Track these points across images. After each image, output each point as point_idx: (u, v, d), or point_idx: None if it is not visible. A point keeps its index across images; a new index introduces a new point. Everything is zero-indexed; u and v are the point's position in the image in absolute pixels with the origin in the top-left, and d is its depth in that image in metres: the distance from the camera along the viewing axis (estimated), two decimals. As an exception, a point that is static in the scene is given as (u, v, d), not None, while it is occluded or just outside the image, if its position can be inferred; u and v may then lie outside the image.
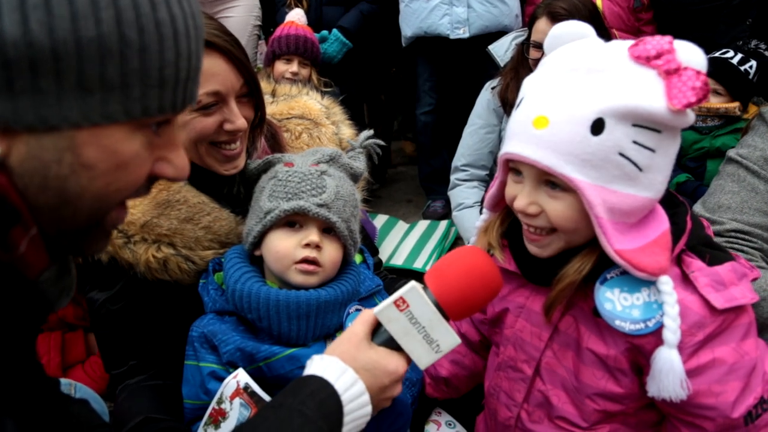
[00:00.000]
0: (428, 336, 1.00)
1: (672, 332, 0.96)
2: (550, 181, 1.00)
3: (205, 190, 1.41)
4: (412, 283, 1.01)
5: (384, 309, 1.01)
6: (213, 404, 1.18)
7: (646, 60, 0.94)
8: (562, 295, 1.06)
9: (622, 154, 0.93)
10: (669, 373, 0.97)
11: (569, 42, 1.05)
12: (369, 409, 0.99)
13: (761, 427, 1.03)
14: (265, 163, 1.37)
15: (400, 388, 1.05)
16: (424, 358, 1.01)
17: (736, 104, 2.82)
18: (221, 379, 1.22)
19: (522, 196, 1.03)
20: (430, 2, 3.28)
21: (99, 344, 1.48)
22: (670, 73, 0.91)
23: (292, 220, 1.27)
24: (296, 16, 3.28)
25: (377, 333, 1.04)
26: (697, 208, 1.78)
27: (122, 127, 0.72)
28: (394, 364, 1.01)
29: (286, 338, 1.24)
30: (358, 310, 1.36)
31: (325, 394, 0.95)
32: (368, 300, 1.42)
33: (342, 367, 0.98)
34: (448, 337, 1.00)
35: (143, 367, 1.44)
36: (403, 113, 4.84)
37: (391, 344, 1.02)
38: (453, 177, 2.92)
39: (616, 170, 0.94)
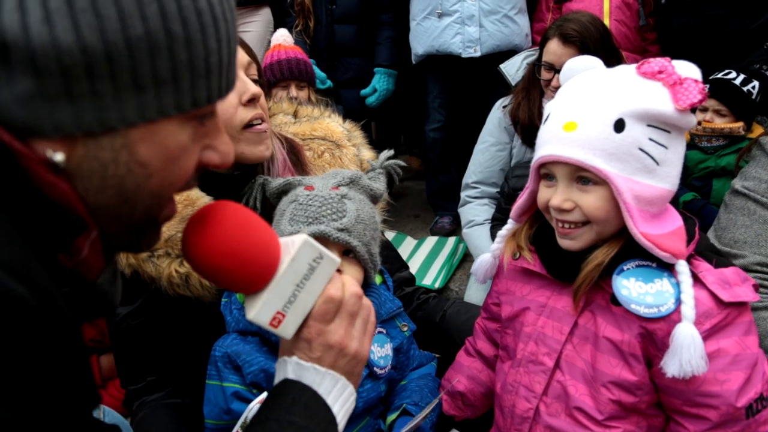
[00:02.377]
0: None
1: (690, 308, 1.07)
2: (581, 177, 1.14)
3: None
4: None
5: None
6: (237, 427, 1.17)
7: (652, 75, 1.12)
8: (590, 276, 1.16)
9: (641, 149, 1.10)
10: (691, 346, 1.06)
11: (583, 71, 1.22)
12: (350, 387, 0.96)
13: (761, 423, 1.11)
14: (286, 184, 1.37)
15: (354, 307, 0.97)
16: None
17: (740, 124, 2.87)
18: (245, 400, 1.22)
19: (557, 195, 1.16)
20: (442, 21, 3.32)
21: (117, 359, 1.48)
22: (673, 83, 1.10)
23: None
24: (281, 38, 3.20)
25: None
26: (712, 241, 1.80)
27: (172, 122, 0.73)
28: (313, 320, 0.94)
29: None
30: (380, 332, 1.37)
31: (306, 396, 0.91)
32: (389, 322, 1.42)
33: (305, 366, 0.93)
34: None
35: (161, 384, 1.43)
36: (409, 129, 4.86)
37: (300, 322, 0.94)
38: (463, 194, 2.94)
39: (637, 163, 1.10)
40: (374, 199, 1.40)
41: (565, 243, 1.20)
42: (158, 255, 1.34)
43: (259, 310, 0.88)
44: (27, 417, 0.62)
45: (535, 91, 2.64)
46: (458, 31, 3.30)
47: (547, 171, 1.19)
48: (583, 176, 1.13)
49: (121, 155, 0.70)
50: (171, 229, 1.34)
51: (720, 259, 1.18)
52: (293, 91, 3.04)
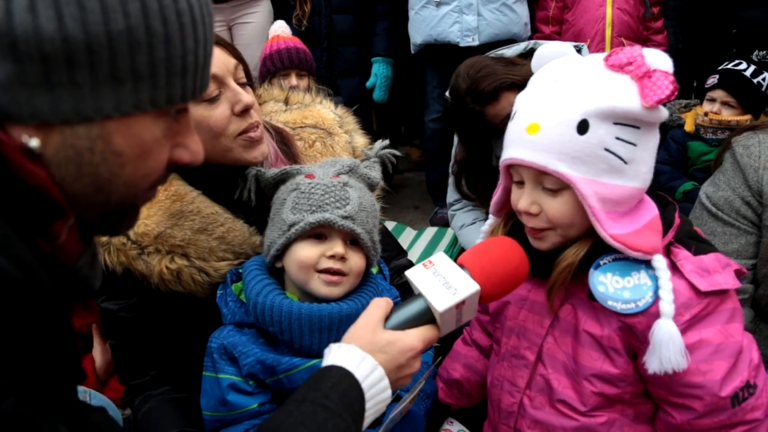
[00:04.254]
0: (448, 283, 1.04)
1: (668, 304, 1.05)
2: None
3: (218, 198, 1.41)
4: (441, 252, 1.10)
5: (413, 269, 1.09)
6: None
7: (620, 67, 1.06)
8: (561, 277, 1.14)
9: (607, 150, 1.05)
10: (669, 343, 1.04)
11: (553, 59, 1.17)
12: (389, 393, 1.01)
13: (747, 410, 1.10)
14: (283, 174, 1.36)
15: (418, 365, 1.05)
16: (442, 300, 1.03)
17: (748, 117, 2.80)
18: (241, 391, 1.23)
19: (523, 198, 1.14)
20: (440, 10, 3.30)
21: (114, 354, 1.47)
22: (641, 76, 1.04)
23: (317, 233, 1.27)
24: (280, 29, 3.21)
25: (389, 318, 1.06)
26: None
27: (147, 116, 0.76)
28: (408, 341, 1.03)
29: (307, 351, 1.24)
30: None
31: (346, 384, 0.96)
32: None
33: (361, 355, 0.99)
34: (466, 285, 1.04)
35: (165, 378, 1.43)
36: (410, 120, 4.85)
37: (404, 325, 1.05)
38: (449, 211, 2.93)
39: (603, 164, 1.05)
40: (371, 187, 1.40)
41: (534, 243, 1.19)
42: (149, 252, 1.32)
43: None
44: (20, 383, 0.64)
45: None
46: (456, 19, 3.28)
47: (514, 171, 1.17)
48: (548, 180, 1.10)
49: (96, 144, 0.72)
50: (160, 226, 1.33)
51: (700, 245, 1.15)
52: (293, 80, 3.04)
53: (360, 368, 0.98)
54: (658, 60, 1.06)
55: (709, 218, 1.77)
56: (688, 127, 2.99)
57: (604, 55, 1.10)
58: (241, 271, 1.35)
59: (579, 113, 1.05)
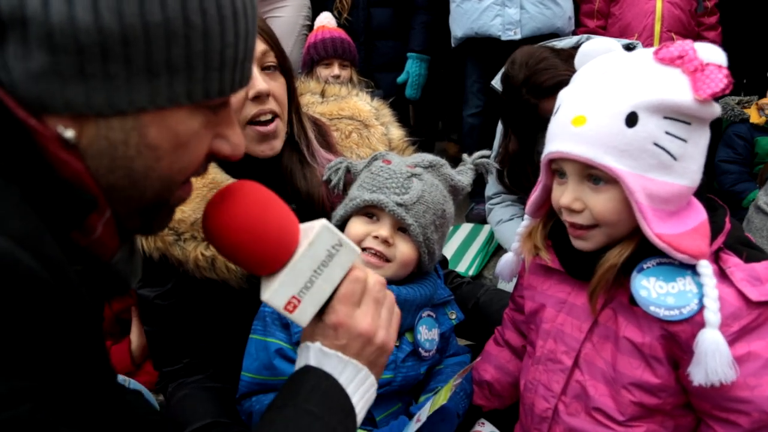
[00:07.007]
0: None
1: (713, 312, 0.99)
2: (592, 176, 1.06)
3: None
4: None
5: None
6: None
7: (671, 61, 1.02)
8: (604, 278, 1.10)
9: (656, 144, 1.00)
10: (716, 354, 0.99)
11: (598, 56, 1.13)
12: (372, 378, 0.94)
13: None
14: (371, 158, 1.40)
15: (390, 312, 0.97)
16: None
17: None
18: (287, 359, 1.24)
19: (566, 194, 1.09)
20: (482, 3, 3.25)
21: (150, 340, 1.50)
22: (694, 70, 0.99)
23: (371, 212, 1.30)
24: (326, 20, 3.27)
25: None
26: None
27: (183, 109, 0.73)
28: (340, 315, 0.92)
29: None
30: (430, 316, 1.38)
31: (326, 385, 0.90)
32: (440, 308, 1.43)
33: (328, 353, 0.91)
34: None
35: (199, 366, 1.44)
36: (448, 114, 4.80)
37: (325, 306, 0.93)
38: (487, 204, 2.89)
39: (652, 159, 1.01)
40: (454, 190, 1.40)
41: (577, 243, 1.14)
42: (185, 239, 1.35)
43: (275, 291, 0.87)
44: (38, 388, 0.63)
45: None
46: (498, 12, 3.23)
47: (557, 167, 1.12)
48: (593, 174, 1.06)
49: (131, 137, 0.71)
50: (197, 213, 1.34)
51: (751, 252, 1.09)
52: (336, 70, 3.08)
53: (328, 366, 0.90)
54: (711, 54, 1.01)
55: None
56: (755, 119, 2.80)
57: (653, 49, 1.05)
58: None
59: (628, 105, 1.01)
